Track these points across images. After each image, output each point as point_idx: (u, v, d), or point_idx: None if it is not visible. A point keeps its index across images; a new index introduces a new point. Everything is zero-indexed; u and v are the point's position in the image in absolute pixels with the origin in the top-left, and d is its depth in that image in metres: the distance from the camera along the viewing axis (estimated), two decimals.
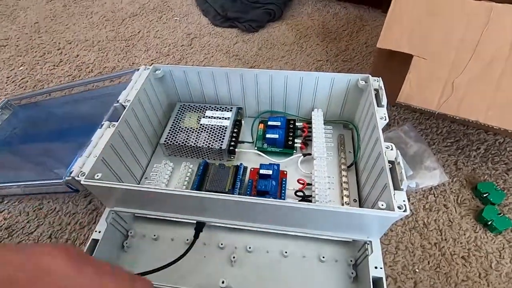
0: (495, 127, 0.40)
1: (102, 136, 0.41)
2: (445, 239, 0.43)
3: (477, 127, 0.56)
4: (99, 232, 0.39)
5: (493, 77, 0.40)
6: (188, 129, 0.51)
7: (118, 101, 0.45)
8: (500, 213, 0.44)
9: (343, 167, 0.48)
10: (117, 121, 0.42)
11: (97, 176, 0.37)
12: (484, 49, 0.41)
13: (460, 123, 0.57)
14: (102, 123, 0.42)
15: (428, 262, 0.41)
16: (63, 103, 0.67)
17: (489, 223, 0.43)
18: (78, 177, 0.36)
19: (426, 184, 0.47)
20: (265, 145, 0.52)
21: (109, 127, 0.42)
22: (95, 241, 0.38)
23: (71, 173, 0.37)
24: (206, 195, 0.34)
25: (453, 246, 0.42)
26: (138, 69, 0.51)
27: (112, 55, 0.80)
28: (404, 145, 0.52)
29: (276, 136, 0.51)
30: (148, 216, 0.42)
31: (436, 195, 0.48)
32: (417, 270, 0.40)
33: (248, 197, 0.34)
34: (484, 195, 0.46)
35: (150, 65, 0.51)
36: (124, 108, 0.44)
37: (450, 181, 0.49)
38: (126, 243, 0.43)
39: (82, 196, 0.50)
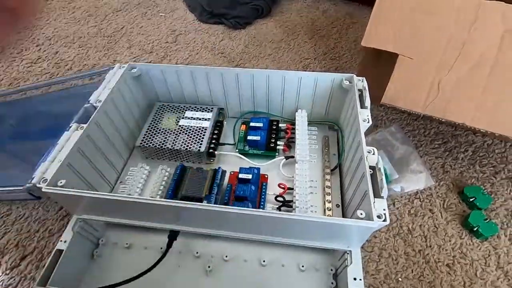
0: (481, 130, 0.38)
1: (69, 139, 0.38)
2: (430, 246, 0.41)
3: (465, 128, 0.55)
4: (65, 241, 0.36)
5: (480, 78, 0.38)
6: (166, 130, 0.49)
7: (88, 102, 0.43)
8: (486, 219, 0.42)
9: (326, 170, 0.47)
10: (87, 123, 0.40)
11: (61, 183, 0.34)
12: (472, 49, 0.39)
13: (448, 124, 0.56)
14: (70, 125, 0.40)
15: (412, 271, 0.39)
16: (39, 103, 0.64)
17: (475, 229, 0.41)
18: (39, 183, 0.34)
19: (412, 188, 0.46)
20: (247, 148, 0.50)
21: (77, 130, 0.39)
22: (60, 252, 0.36)
23: (32, 179, 0.34)
24: (175, 204, 0.32)
25: (437, 253, 0.41)
26: (112, 68, 0.48)
27: (93, 52, 0.77)
28: (390, 148, 0.51)
29: (258, 138, 0.49)
30: (120, 223, 0.40)
31: (422, 200, 0.46)
32: (400, 279, 0.39)
33: (221, 206, 0.32)
34: (471, 200, 0.44)
35: (132, 62, 0.49)
36: (95, 109, 0.42)
37: (437, 184, 0.48)
38: (96, 252, 0.41)
39: (53, 201, 0.48)
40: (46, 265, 0.35)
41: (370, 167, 0.34)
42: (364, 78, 0.43)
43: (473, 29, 0.39)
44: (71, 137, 0.38)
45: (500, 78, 0.38)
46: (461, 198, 0.46)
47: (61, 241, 0.37)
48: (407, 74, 0.41)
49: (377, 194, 0.32)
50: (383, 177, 0.32)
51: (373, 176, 0.33)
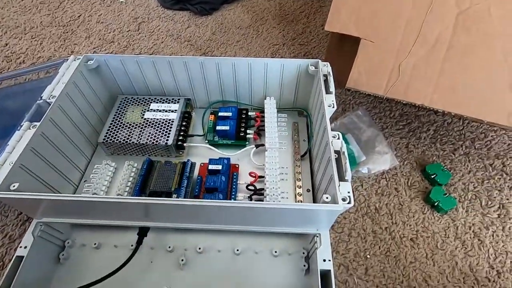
0: (439, 110, 0.40)
1: (21, 139, 0.36)
2: (395, 223, 0.44)
3: (427, 109, 0.57)
4: (25, 247, 0.35)
5: (437, 60, 0.40)
6: (130, 124, 0.47)
7: (41, 98, 0.40)
8: (446, 194, 0.45)
9: (297, 156, 0.47)
10: (40, 121, 0.37)
11: (13, 186, 0.32)
12: (429, 32, 0.40)
13: (411, 105, 0.58)
14: (22, 123, 0.37)
15: (379, 247, 0.41)
16: None
17: (436, 204, 0.44)
18: None
19: (378, 169, 0.48)
20: (216, 138, 0.49)
21: (30, 129, 0.37)
22: (20, 258, 0.34)
23: None
24: (142, 201, 0.31)
25: (402, 229, 0.43)
26: (66, 60, 0.45)
27: (47, 43, 0.71)
28: (357, 131, 0.52)
29: (227, 127, 0.48)
30: (85, 224, 0.39)
31: (388, 179, 0.48)
32: (368, 256, 0.41)
33: (190, 200, 0.32)
34: (432, 177, 0.47)
35: (88, 54, 0.45)
36: (49, 105, 0.39)
37: (401, 164, 0.50)
38: (63, 255, 0.39)
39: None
40: (6, 273, 0.33)
41: (335, 152, 0.35)
42: (328, 63, 0.43)
43: (429, 12, 0.40)
44: (23, 136, 0.36)
45: (455, 60, 0.39)
46: (424, 175, 0.48)
47: (20, 247, 0.35)
48: (370, 58, 0.42)
49: (341, 178, 0.32)
50: (347, 160, 0.32)
51: (338, 160, 0.34)
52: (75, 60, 0.45)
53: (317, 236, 0.36)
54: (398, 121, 0.56)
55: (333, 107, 0.39)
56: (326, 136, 0.37)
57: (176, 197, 0.41)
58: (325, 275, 0.34)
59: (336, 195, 0.31)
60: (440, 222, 0.44)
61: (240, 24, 0.77)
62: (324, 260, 0.34)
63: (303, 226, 0.36)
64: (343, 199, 0.31)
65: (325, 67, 0.44)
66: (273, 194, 0.40)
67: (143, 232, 0.38)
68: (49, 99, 0.40)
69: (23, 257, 0.34)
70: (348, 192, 0.31)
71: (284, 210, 0.32)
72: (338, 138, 0.36)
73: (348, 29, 0.43)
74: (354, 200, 0.40)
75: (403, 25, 0.41)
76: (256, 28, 0.76)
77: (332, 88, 0.40)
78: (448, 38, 0.39)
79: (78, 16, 0.78)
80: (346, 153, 0.33)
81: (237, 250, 0.39)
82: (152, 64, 0.47)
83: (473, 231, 0.43)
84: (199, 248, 0.40)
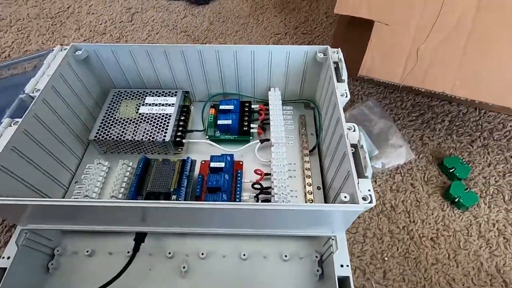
0: (462, 98, 0.37)
1: (1, 137, 0.32)
2: (413, 221, 0.40)
3: (441, 98, 0.54)
4: (8, 258, 0.31)
5: (458, 43, 0.36)
6: (124, 120, 0.43)
7: (24, 92, 0.36)
8: (466, 189, 0.42)
9: (305, 151, 0.44)
10: (22, 117, 0.33)
11: None
12: (449, 12, 0.37)
13: (424, 95, 0.54)
14: (1, 120, 0.33)
15: (397, 248, 0.38)
16: None
17: (456, 200, 0.41)
18: None
19: (393, 163, 0.44)
20: (218, 133, 0.46)
21: (11, 125, 0.33)
22: (3, 270, 0.30)
23: None
24: (138, 205, 0.28)
25: (421, 228, 0.40)
26: (52, 50, 0.41)
27: (35, 36, 0.67)
28: (368, 123, 0.49)
29: (229, 122, 0.45)
30: (76, 230, 0.35)
31: (403, 174, 0.45)
32: (386, 258, 0.37)
33: (191, 202, 0.28)
34: (451, 170, 0.44)
35: (76, 43, 0.41)
36: (33, 99, 0.35)
37: (417, 157, 0.46)
38: (52, 264, 0.35)
39: None
40: None
41: (352, 145, 0.31)
42: (339, 49, 0.40)
43: None
44: (3, 134, 0.32)
45: (478, 43, 0.36)
46: (441, 169, 0.45)
47: (3, 257, 0.31)
48: (384, 43, 0.38)
49: (360, 174, 0.29)
50: (367, 155, 0.29)
51: (355, 155, 0.31)
52: (61, 51, 0.41)
53: (333, 239, 0.32)
54: (410, 112, 0.52)
55: (346, 97, 0.36)
56: (340, 129, 0.33)
57: (176, 198, 0.37)
58: (342, 281, 0.31)
59: (355, 193, 0.28)
60: (461, 220, 0.41)
61: (239, 13, 0.73)
62: (342, 266, 0.31)
63: (317, 228, 0.33)
64: (364, 198, 0.27)
65: (335, 54, 0.40)
66: (282, 193, 0.37)
67: (140, 238, 0.34)
68: (33, 93, 0.36)
69: (6, 268, 0.30)
70: (369, 190, 0.28)
71: (297, 212, 0.28)
72: (354, 130, 0.32)
73: (359, 12, 0.39)
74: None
75: (421, 6, 0.37)
76: (256, 17, 0.72)
77: (344, 76, 0.37)
78: (470, 19, 0.36)
79: (68, 7, 0.74)
80: (365, 147, 0.30)
81: (244, 255, 0.36)
82: (146, 53, 0.43)
83: (497, 229, 0.40)
84: (202, 254, 0.36)
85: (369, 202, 0.27)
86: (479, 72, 0.36)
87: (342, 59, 0.39)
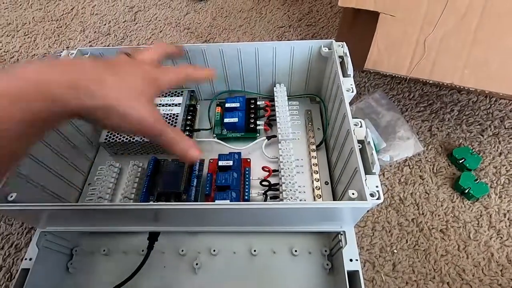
0: (471, 89, 0.36)
1: None
2: (423, 213, 0.40)
3: (450, 87, 0.53)
4: (30, 259, 0.32)
5: (468, 30, 0.35)
6: None
7: None
8: (476, 179, 0.41)
9: (312, 147, 0.44)
10: None
11: (11, 197, 0.30)
12: None
13: (432, 85, 0.53)
14: None
15: (406, 241, 0.38)
16: None
17: (466, 191, 0.40)
18: None
19: (401, 156, 0.44)
20: (225, 131, 0.46)
21: None
22: (26, 271, 0.32)
23: None
24: (150, 207, 0.29)
25: (430, 220, 0.40)
26: (60, 55, 0.42)
27: (41, 39, 0.68)
28: (375, 115, 0.48)
29: (236, 119, 0.45)
30: (92, 231, 0.36)
31: (411, 166, 0.45)
32: (395, 251, 0.38)
33: (202, 203, 0.29)
34: (460, 161, 0.43)
35: (82, 47, 0.42)
36: None
37: (425, 149, 0.46)
38: (71, 263, 0.37)
39: None
40: (13, 287, 0.31)
41: (359, 141, 0.31)
42: (344, 43, 0.39)
43: None
44: None
45: (489, 28, 0.35)
46: (450, 160, 0.45)
47: (25, 259, 0.33)
48: (390, 34, 0.38)
49: (368, 170, 0.29)
50: (374, 151, 0.29)
51: (363, 151, 0.31)
52: (68, 55, 0.42)
53: (341, 234, 0.33)
54: (418, 103, 0.52)
55: (352, 92, 0.35)
56: (347, 125, 0.33)
57: (186, 197, 0.38)
58: (352, 275, 0.31)
59: (363, 190, 0.28)
60: (471, 211, 0.40)
61: (241, 7, 0.72)
62: (351, 260, 0.31)
63: (326, 224, 0.33)
64: (371, 195, 0.28)
65: (340, 48, 0.40)
66: (290, 190, 0.37)
67: (153, 237, 0.35)
68: None
69: (29, 269, 0.32)
70: (377, 187, 0.28)
71: (305, 209, 0.29)
72: (361, 126, 0.32)
73: (364, 4, 0.39)
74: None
75: None
76: (259, 10, 0.71)
77: (350, 70, 0.37)
78: (481, 3, 0.35)
79: (71, 9, 0.74)
80: (372, 143, 0.30)
81: (254, 251, 0.37)
82: None
83: (508, 219, 0.40)
84: (214, 251, 0.37)
85: (376, 199, 0.27)
86: (489, 61, 0.35)
87: (348, 54, 0.38)
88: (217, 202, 0.29)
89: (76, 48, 0.42)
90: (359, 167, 0.29)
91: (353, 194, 0.29)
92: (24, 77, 0.19)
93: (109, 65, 0.24)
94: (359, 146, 0.31)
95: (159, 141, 0.26)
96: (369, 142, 0.30)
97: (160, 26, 0.69)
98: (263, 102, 0.48)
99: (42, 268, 0.33)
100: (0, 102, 0.18)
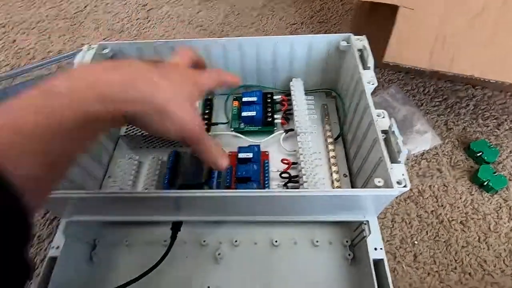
0: (491, 81, 0.36)
1: None
2: (442, 206, 0.41)
3: (465, 82, 0.53)
4: (57, 247, 0.33)
5: (489, 20, 0.35)
6: None
7: None
8: (495, 172, 0.41)
9: (329, 140, 0.44)
10: None
11: None
12: None
13: (447, 80, 0.54)
14: None
15: (427, 232, 0.39)
16: (2, 98, 0.57)
17: (485, 183, 0.41)
18: None
19: (418, 149, 0.44)
20: (242, 125, 0.46)
21: None
22: (53, 259, 0.32)
23: None
24: (174, 194, 0.29)
25: (450, 212, 0.40)
26: (81, 50, 0.43)
27: (55, 37, 0.69)
28: (391, 110, 0.48)
29: (253, 113, 0.45)
30: (115, 221, 0.37)
31: (428, 160, 0.45)
32: (416, 242, 0.38)
33: (227, 190, 0.29)
34: (478, 155, 0.43)
35: (102, 42, 0.43)
36: None
37: (442, 143, 0.46)
38: (95, 253, 0.37)
39: None
40: (40, 275, 0.32)
41: (382, 131, 0.32)
42: (364, 36, 0.40)
43: None
44: None
45: (510, 17, 0.35)
46: (468, 154, 0.45)
47: (52, 247, 0.33)
48: (410, 27, 0.38)
49: (393, 159, 0.29)
50: (399, 140, 0.29)
51: (387, 141, 0.31)
52: (89, 50, 0.42)
53: (365, 224, 0.33)
54: (433, 98, 0.52)
55: (373, 84, 0.36)
56: (369, 116, 0.34)
57: (208, 189, 0.38)
58: (377, 264, 0.31)
59: (389, 178, 0.28)
60: (490, 203, 0.41)
61: (253, 5, 0.73)
62: (376, 249, 0.31)
63: (349, 213, 0.34)
64: (398, 183, 0.28)
65: (359, 42, 0.40)
66: (311, 181, 0.37)
67: (177, 226, 0.36)
68: None
69: (56, 257, 0.32)
70: (403, 175, 0.28)
71: (331, 197, 0.29)
72: (384, 117, 0.33)
73: None
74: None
75: None
76: (270, 8, 0.72)
77: (370, 63, 0.37)
78: None
79: (85, 7, 0.75)
80: (397, 132, 0.30)
81: (276, 241, 0.37)
82: (170, 50, 0.44)
83: None
84: (235, 241, 0.37)
85: (403, 186, 0.28)
86: (510, 53, 0.35)
87: (367, 47, 0.38)
88: (240, 190, 0.29)
89: (97, 43, 0.43)
90: (384, 156, 0.30)
91: (379, 182, 0.29)
92: (81, 77, 0.20)
93: (159, 68, 0.24)
94: (383, 136, 0.31)
95: (195, 147, 0.26)
96: (393, 131, 0.30)
97: (173, 24, 0.70)
98: (280, 96, 0.48)
99: (68, 257, 0.34)
100: (59, 101, 0.18)
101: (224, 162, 0.27)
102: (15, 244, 0.16)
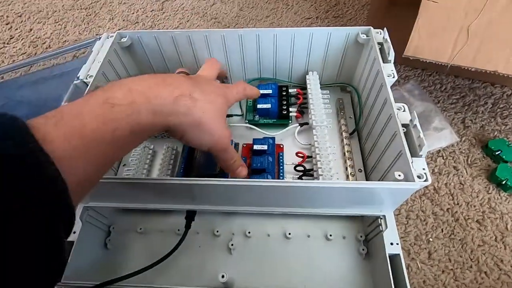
0: (509, 75, 0.35)
1: None
2: (458, 204, 0.40)
3: (483, 79, 0.52)
4: (74, 232, 0.33)
5: None
6: None
7: (78, 78, 0.38)
8: None
9: (344, 134, 0.44)
10: None
11: None
12: None
13: (465, 77, 0.53)
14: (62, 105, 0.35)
15: (442, 230, 0.38)
16: (20, 86, 0.58)
17: (503, 182, 0.40)
18: None
19: (435, 146, 0.44)
20: (257, 117, 0.46)
21: None
22: (70, 243, 0.33)
23: None
24: (194, 182, 0.29)
25: (466, 210, 0.39)
26: (99, 38, 0.43)
27: (71, 26, 0.69)
28: (408, 106, 0.48)
29: (269, 105, 0.45)
30: (131, 208, 0.37)
31: (445, 157, 0.44)
32: (430, 239, 0.38)
33: (242, 179, 0.29)
34: (496, 153, 0.43)
35: (121, 31, 0.43)
36: (87, 85, 0.37)
37: (459, 140, 0.45)
38: (109, 240, 0.38)
39: None
40: None
41: (403, 125, 0.31)
42: (384, 29, 0.39)
43: None
44: None
45: None
46: (485, 152, 0.44)
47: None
48: (432, 20, 0.37)
49: (414, 153, 0.29)
50: (421, 133, 0.29)
51: (407, 135, 0.31)
52: (108, 38, 0.43)
53: (381, 218, 0.33)
54: (450, 95, 0.51)
55: (393, 77, 0.35)
56: (389, 109, 0.33)
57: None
58: (393, 259, 0.31)
59: (409, 172, 0.28)
60: (508, 202, 0.40)
61: None
62: (392, 244, 0.31)
63: (365, 207, 0.33)
64: (419, 176, 0.27)
65: (379, 35, 0.40)
66: (327, 174, 0.37)
67: (191, 216, 0.36)
68: (86, 78, 0.38)
69: (73, 242, 0.33)
70: (424, 169, 0.28)
71: (348, 189, 0.29)
72: (404, 110, 0.32)
73: None
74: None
75: None
76: (285, 1, 0.71)
77: (391, 56, 0.36)
78: None
79: None
80: (418, 126, 0.29)
81: (289, 234, 0.37)
82: (187, 39, 0.44)
83: None
84: (248, 232, 0.38)
85: (424, 180, 0.27)
86: None
87: (388, 39, 0.38)
88: (256, 179, 0.29)
89: (115, 31, 0.43)
90: (405, 150, 0.29)
91: (399, 175, 0.29)
92: (139, 92, 0.22)
93: (196, 83, 0.26)
94: (403, 129, 0.31)
95: (220, 156, 0.28)
96: (415, 125, 0.30)
97: (187, 16, 0.70)
98: (295, 90, 0.48)
99: (85, 242, 0.34)
100: (120, 113, 0.20)
101: (243, 172, 0.30)
102: (60, 245, 0.17)
